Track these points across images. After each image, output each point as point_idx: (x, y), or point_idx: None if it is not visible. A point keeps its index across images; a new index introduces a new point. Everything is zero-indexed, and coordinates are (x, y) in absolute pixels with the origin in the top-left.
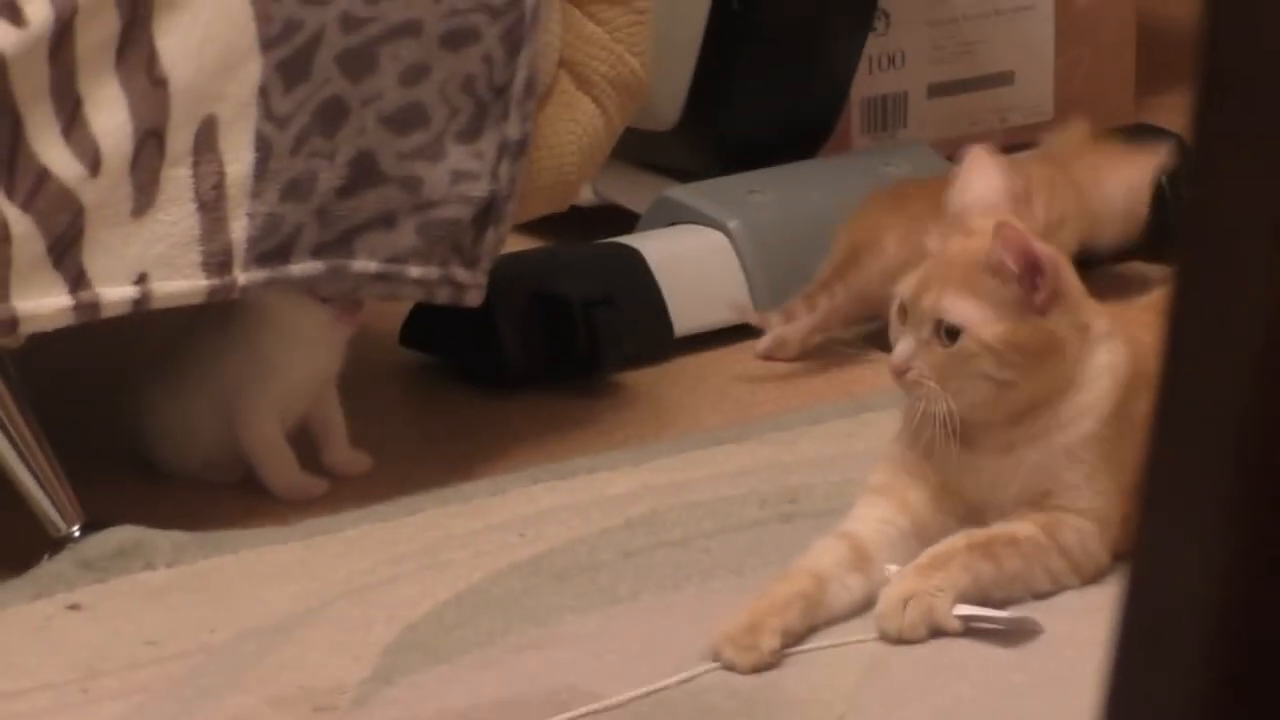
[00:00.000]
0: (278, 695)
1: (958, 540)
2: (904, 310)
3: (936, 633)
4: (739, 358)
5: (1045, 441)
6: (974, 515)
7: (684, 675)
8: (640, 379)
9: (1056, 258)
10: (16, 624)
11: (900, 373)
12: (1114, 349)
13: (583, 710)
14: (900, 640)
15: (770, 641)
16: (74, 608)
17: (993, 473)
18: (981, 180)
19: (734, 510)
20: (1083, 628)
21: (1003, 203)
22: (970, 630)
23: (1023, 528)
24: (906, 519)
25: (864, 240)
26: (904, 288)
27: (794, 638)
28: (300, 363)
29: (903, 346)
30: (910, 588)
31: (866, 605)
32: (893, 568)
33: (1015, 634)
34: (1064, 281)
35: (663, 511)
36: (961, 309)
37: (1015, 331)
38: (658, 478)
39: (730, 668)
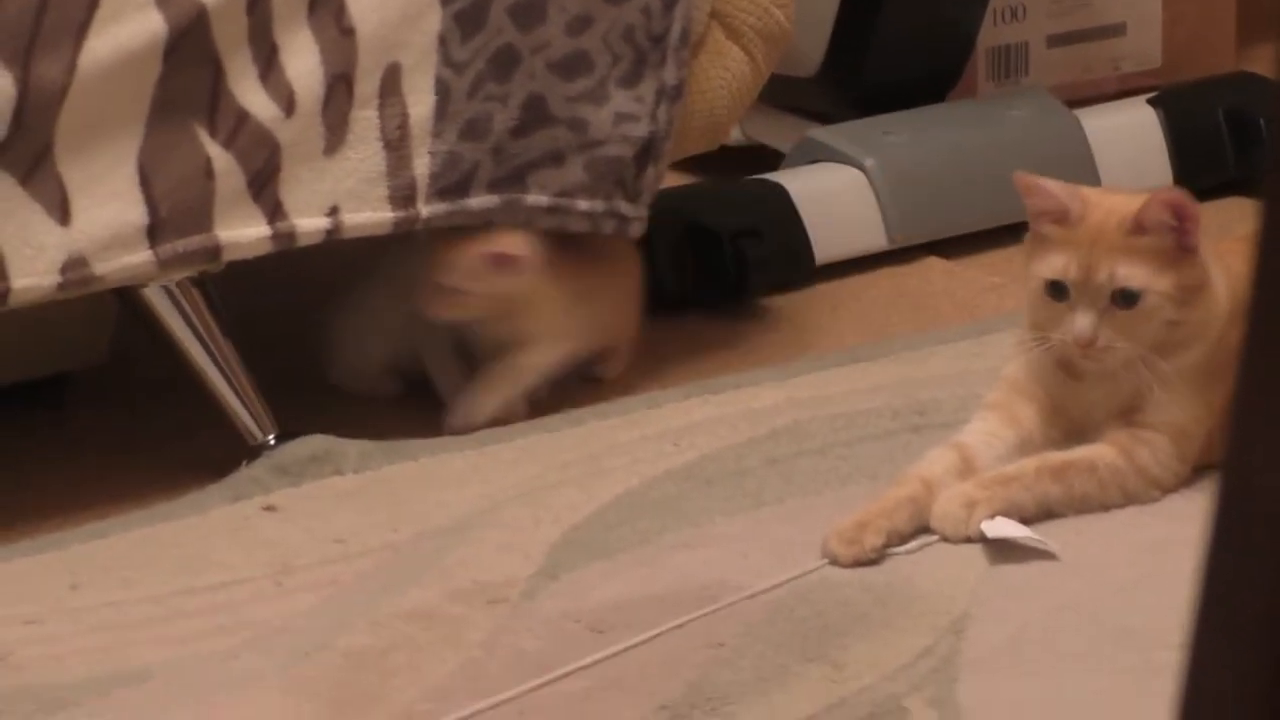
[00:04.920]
0: (454, 589)
1: (1029, 463)
2: (1060, 290)
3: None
4: (874, 283)
5: (1142, 367)
6: (1078, 433)
7: (795, 572)
8: (784, 303)
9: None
10: (218, 524)
11: (1089, 344)
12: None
13: (729, 600)
14: (943, 535)
15: (874, 540)
16: (270, 509)
17: (1095, 395)
18: (1050, 183)
19: (869, 422)
20: (1186, 529)
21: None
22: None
23: (1102, 454)
24: (1014, 433)
25: None
26: (1060, 272)
27: (900, 538)
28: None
29: (1084, 321)
30: (968, 492)
31: None
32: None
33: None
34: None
35: (804, 423)
36: (1137, 275)
37: (1180, 275)
38: (800, 392)
39: (834, 561)
